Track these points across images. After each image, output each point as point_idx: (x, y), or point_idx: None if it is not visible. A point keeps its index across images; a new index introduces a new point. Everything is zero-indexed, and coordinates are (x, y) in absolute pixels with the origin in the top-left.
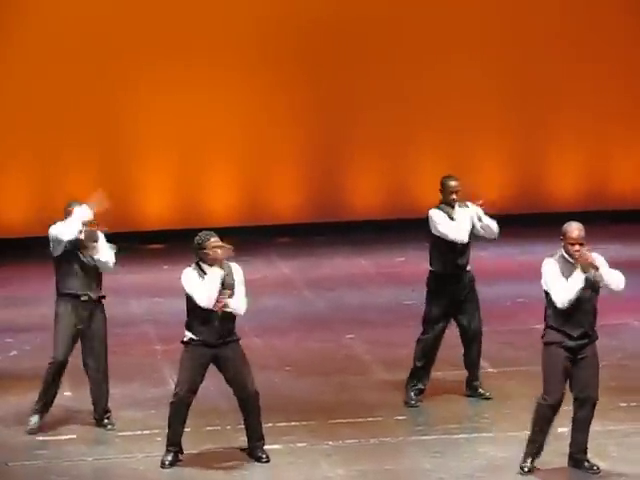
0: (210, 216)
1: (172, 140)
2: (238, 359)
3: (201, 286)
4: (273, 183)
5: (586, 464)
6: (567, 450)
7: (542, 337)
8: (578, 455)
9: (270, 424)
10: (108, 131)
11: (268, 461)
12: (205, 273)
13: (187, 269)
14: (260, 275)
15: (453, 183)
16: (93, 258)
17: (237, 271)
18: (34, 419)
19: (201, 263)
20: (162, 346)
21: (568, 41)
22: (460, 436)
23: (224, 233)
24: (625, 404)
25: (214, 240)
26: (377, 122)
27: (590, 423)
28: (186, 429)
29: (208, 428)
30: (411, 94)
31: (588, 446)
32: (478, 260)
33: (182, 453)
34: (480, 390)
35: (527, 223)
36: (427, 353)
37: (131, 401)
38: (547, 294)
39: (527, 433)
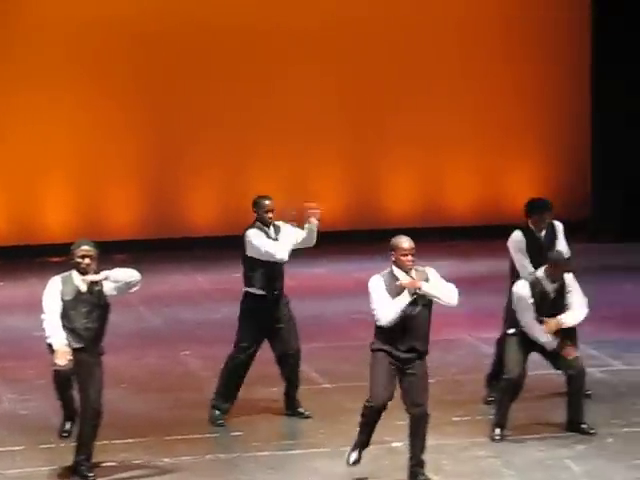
0: (46, 232)
1: (9, 158)
2: (95, 371)
3: None
4: (109, 199)
5: (421, 477)
6: (403, 464)
7: (370, 345)
8: (414, 468)
9: (106, 441)
10: None
11: (94, 479)
12: None
13: None
14: None
15: (268, 202)
16: None
17: None
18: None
19: None
20: None
21: (400, 65)
22: (296, 452)
23: (59, 250)
24: (458, 418)
25: None
26: (214, 138)
27: (424, 437)
28: (19, 447)
29: (42, 446)
30: (249, 111)
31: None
32: (315, 276)
33: None
34: (299, 409)
35: (363, 239)
36: (240, 373)
37: None
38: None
39: None
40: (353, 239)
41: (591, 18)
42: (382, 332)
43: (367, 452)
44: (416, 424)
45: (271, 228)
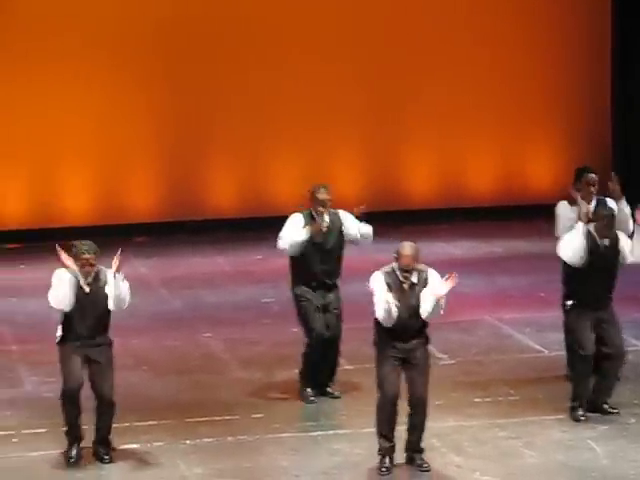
0: (67, 215)
1: (27, 139)
2: (104, 362)
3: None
4: (130, 181)
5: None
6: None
7: (374, 342)
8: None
9: (127, 424)
10: None
11: (110, 462)
12: None
13: None
14: None
15: (322, 194)
16: None
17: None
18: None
19: None
20: (17, 346)
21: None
22: (317, 433)
23: (81, 232)
24: (479, 399)
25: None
26: (234, 123)
27: (423, 423)
28: (42, 429)
29: (64, 428)
30: (267, 93)
31: (445, 441)
32: None
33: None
34: (329, 389)
35: (384, 221)
36: None
37: None
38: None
39: None
40: (374, 221)
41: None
42: (382, 330)
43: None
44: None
45: (325, 216)
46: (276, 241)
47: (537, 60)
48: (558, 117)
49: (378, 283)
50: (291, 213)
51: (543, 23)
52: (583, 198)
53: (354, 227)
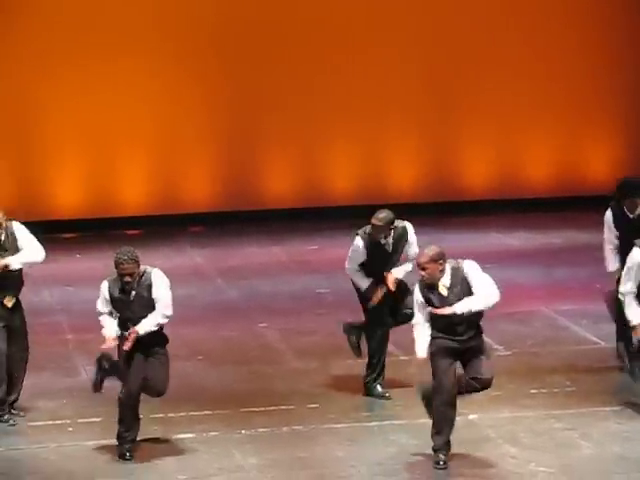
0: (123, 205)
1: (85, 130)
2: (158, 360)
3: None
4: (186, 172)
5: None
6: (480, 436)
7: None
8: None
9: (183, 413)
10: (20, 122)
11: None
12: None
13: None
14: (172, 264)
15: (379, 218)
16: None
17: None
18: None
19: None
20: (74, 336)
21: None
22: (372, 424)
23: (137, 222)
24: (535, 390)
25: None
26: (290, 113)
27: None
28: (98, 419)
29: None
30: (324, 86)
31: (500, 432)
32: None
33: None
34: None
35: (440, 211)
36: None
37: (42, 391)
38: None
39: None
40: (430, 211)
41: None
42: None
43: None
44: None
45: (389, 239)
46: (330, 232)
47: (590, 58)
48: (614, 111)
49: (416, 303)
50: (346, 205)
51: (596, 22)
52: (628, 209)
53: (414, 246)
